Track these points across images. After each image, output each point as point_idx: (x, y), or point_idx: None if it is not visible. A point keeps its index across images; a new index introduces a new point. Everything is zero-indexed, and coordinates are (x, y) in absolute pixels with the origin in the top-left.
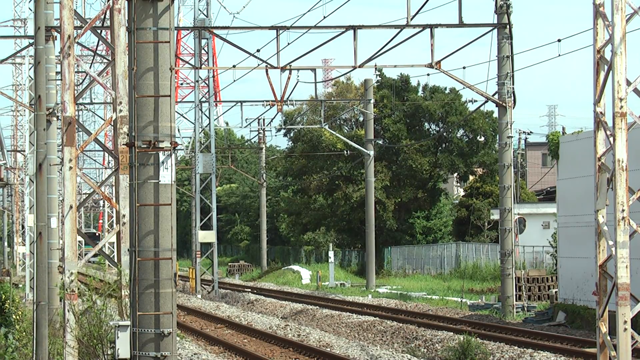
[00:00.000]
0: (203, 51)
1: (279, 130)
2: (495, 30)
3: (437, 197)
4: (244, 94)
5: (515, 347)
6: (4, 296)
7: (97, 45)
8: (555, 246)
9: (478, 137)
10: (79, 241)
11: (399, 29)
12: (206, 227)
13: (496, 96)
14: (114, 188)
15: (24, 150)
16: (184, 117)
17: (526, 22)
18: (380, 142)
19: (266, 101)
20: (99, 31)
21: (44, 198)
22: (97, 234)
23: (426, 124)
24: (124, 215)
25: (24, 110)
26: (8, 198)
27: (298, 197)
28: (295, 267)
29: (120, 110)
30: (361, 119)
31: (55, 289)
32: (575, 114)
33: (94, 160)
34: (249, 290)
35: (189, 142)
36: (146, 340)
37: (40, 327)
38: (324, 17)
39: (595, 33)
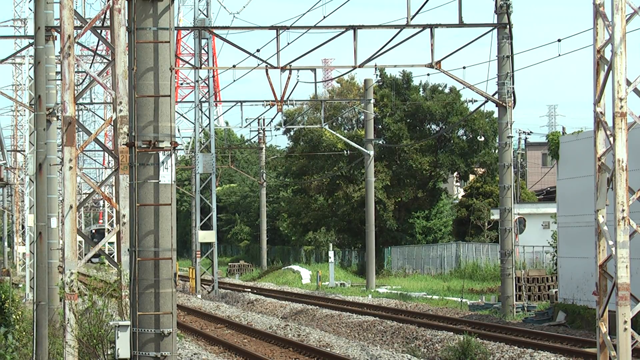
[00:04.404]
0: (203, 51)
1: (278, 128)
2: (495, 30)
3: (437, 197)
4: (244, 94)
5: (515, 347)
6: (4, 296)
7: (97, 45)
8: (555, 246)
9: (478, 137)
10: (79, 241)
11: (399, 29)
12: (206, 227)
13: (496, 96)
14: (114, 188)
15: (24, 150)
16: (184, 117)
17: (526, 22)
18: (381, 141)
19: (266, 101)
20: (99, 31)
21: (44, 198)
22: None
23: (427, 123)
24: (124, 215)
25: (24, 110)
26: (8, 198)
27: (298, 197)
28: (295, 267)
29: (120, 110)
30: (362, 118)
31: (55, 288)
32: (575, 114)
33: (94, 160)
34: (249, 290)
35: (189, 142)
36: (146, 340)
37: (40, 327)
38: (324, 17)
39: (595, 33)
